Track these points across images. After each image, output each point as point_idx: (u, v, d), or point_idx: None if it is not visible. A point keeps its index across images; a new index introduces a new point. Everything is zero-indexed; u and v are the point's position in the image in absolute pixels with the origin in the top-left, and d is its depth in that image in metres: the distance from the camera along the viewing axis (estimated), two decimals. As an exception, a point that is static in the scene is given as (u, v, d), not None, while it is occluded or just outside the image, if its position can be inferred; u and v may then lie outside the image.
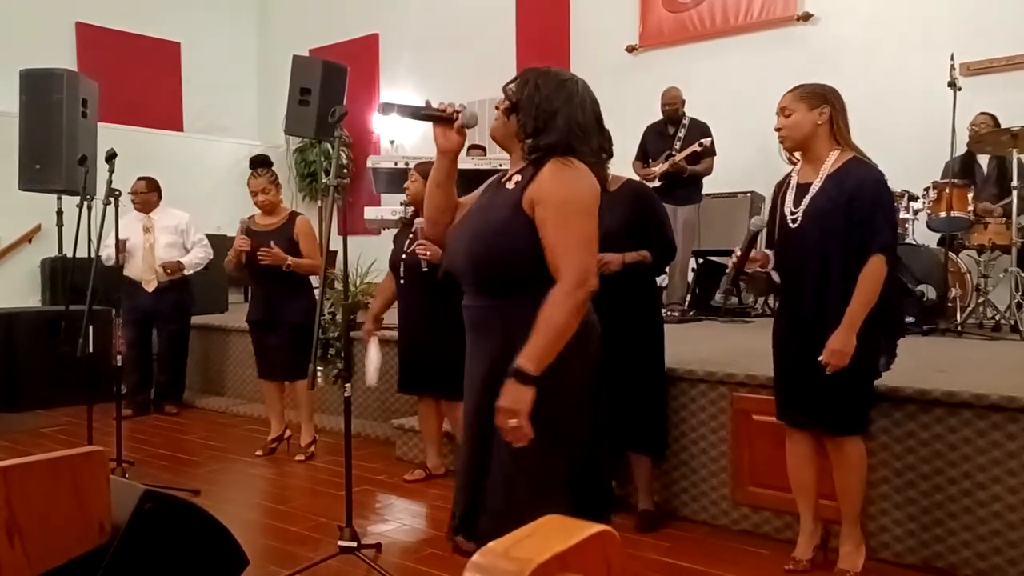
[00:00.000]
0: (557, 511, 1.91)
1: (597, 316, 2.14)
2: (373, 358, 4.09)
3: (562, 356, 1.97)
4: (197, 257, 6.05)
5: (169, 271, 5.86)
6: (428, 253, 3.90)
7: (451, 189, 2.24)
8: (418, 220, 4.05)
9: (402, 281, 4.16)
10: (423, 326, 4.08)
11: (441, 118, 2.16)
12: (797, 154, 2.95)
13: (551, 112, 2.03)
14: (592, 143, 2.06)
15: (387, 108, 2.24)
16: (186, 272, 5.98)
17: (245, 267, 4.74)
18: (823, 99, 2.84)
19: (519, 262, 2.00)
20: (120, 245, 5.46)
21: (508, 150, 2.16)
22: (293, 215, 4.80)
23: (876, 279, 2.71)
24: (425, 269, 3.97)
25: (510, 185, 2.09)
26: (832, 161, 2.83)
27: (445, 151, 2.19)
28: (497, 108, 2.15)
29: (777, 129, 2.90)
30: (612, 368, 3.41)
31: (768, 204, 3.07)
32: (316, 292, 4.52)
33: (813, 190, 2.83)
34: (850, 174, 2.78)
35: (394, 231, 6.53)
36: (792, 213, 2.87)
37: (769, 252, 2.96)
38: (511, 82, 2.13)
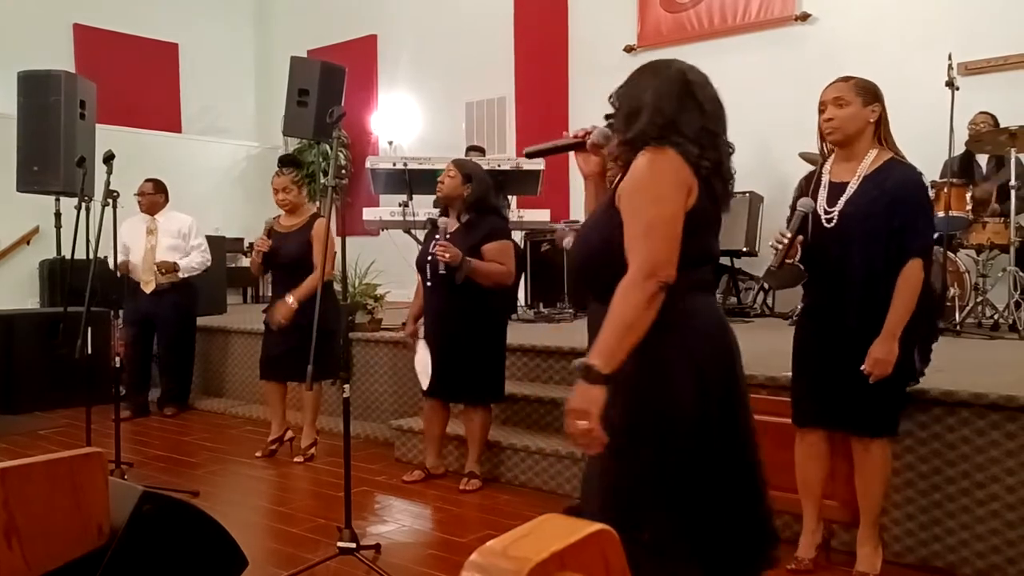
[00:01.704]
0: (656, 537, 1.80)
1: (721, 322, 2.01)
2: (423, 360, 4.00)
3: (656, 356, 1.85)
4: (194, 261, 6.02)
5: (163, 271, 5.84)
6: (448, 255, 3.84)
7: None
8: (442, 220, 4.00)
9: (428, 283, 4.07)
10: (453, 327, 4.01)
11: (574, 145, 2.20)
12: (827, 149, 2.88)
13: (639, 108, 1.94)
14: (684, 127, 1.91)
15: (532, 155, 2.41)
16: (181, 275, 5.93)
17: (265, 267, 4.76)
18: (875, 96, 2.79)
19: (616, 262, 1.88)
20: (123, 265, 5.47)
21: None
22: (314, 217, 4.77)
23: (916, 283, 2.68)
24: (442, 272, 3.89)
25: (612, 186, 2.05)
26: (871, 161, 2.77)
27: (587, 175, 2.20)
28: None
29: (828, 119, 2.79)
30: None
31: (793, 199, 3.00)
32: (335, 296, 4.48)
33: (850, 190, 2.77)
34: (890, 175, 2.73)
35: (395, 231, 6.60)
36: (827, 212, 2.80)
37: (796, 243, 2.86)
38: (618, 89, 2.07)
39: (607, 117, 2.09)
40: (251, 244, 4.86)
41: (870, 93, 2.78)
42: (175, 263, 5.89)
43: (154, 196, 6.03)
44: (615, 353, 1.78)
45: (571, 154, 2.25)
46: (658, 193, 1.86)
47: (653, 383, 1.87)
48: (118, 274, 5.53)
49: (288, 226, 4.75)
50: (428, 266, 4.01)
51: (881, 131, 2.81)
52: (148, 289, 5.90)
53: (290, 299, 4.50)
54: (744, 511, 1.93)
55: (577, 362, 1.81)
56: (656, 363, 1.86)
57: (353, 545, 3.10)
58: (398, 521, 3.74)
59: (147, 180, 6.07)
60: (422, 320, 4.20)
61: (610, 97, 2.07)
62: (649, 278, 1.80)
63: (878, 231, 2.70)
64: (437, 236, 4.01)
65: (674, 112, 1.91)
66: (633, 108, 1.96)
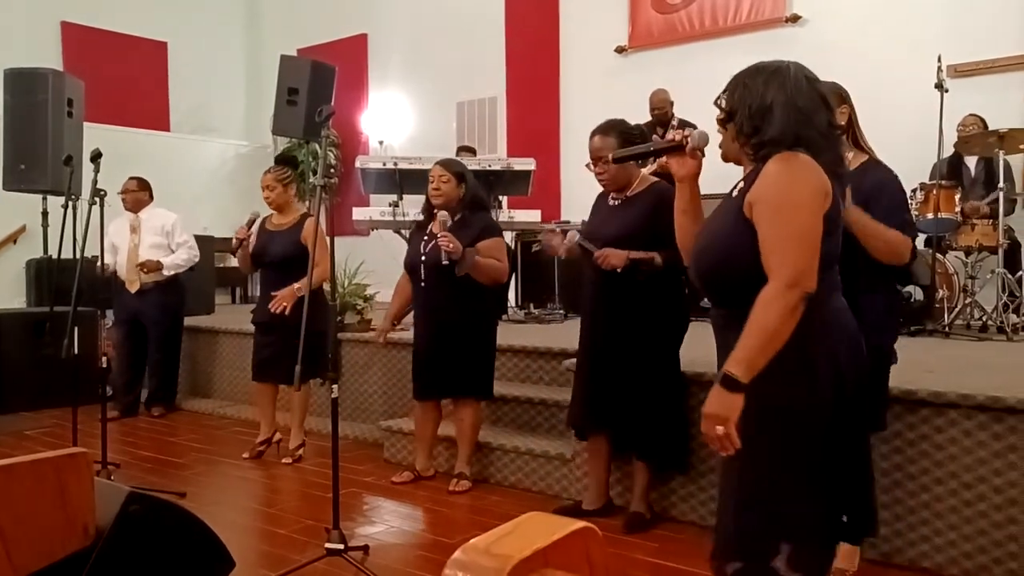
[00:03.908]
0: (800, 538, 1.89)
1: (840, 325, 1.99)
2: None
3: (802, 362, 1.87)
4: (179, 259, 5.96)
5: (146, 270, 5.79)
6: (451, 246, 3.81)
7: (697, 215, 2.21)
8: (441, 214, 3.99)
9: (423, 283, 4.04)
10: (447, 325, 3.99)
11: (672, 148, 2.18)
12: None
13: (767, 106, 1.93)
14: (818, 123, 1.94)
15: (620, 160, 2.42)
16: (165, 272, 5.86)
17: (253, 264, 4.74)
18: (842, 98, 2.78)
19: (744, 268, 1.90)
20: (103, 268, 5.36)
21: (738, 162, 2.07)
22: (304, 217, 4.72)
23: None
24: (445, 262, 3.86)
25: (735, 193, 2.03)
26: (847, 163, 2.80)
27: (683, 178, 2.19)
28: (718, 122, 2.08)
29: None
30: (621, 370, 3.41)
31: None
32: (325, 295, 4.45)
33: None
34: (866, 176, 2.75)
35: (385, 231, 6.60)
36: None
37: None
38: (721, 94, 2.04)
39: (720, 121, 2.06)
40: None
41: (837, 96, 2.78)
42: (158, 261, 5.83)
43: (138, 193, 5.98)
44: (755, 362, 1.82)
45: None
46: (799, 201, 1.86)
47: (799, 388, 1.89)
48: (102, 268, 5.42)
49: (277, 225, 4.73)
50: (423, 265, 3.99)
51: (854, 133, 2.82)
52: (133, 289, 5.86)
53: (296, 285, 4.43)
54: (865, 496, 2.08)
55: (719, 372, 1.85)
56: (803, 369, 1.88)
57: (341, 546, 3.08)
58: (387, 522, 3.73)
59: (131, 178, 6.03)
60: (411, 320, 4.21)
61: (716, 100, 2.06)
62: (793, 288, 1.81)
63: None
64: (426, 236, 4.00)
65: (809, 109, 1.93)
66: (759, 108, 1.94)
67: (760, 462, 1.92)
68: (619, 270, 3.31)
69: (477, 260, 3.89)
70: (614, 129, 3.43)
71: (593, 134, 3.47)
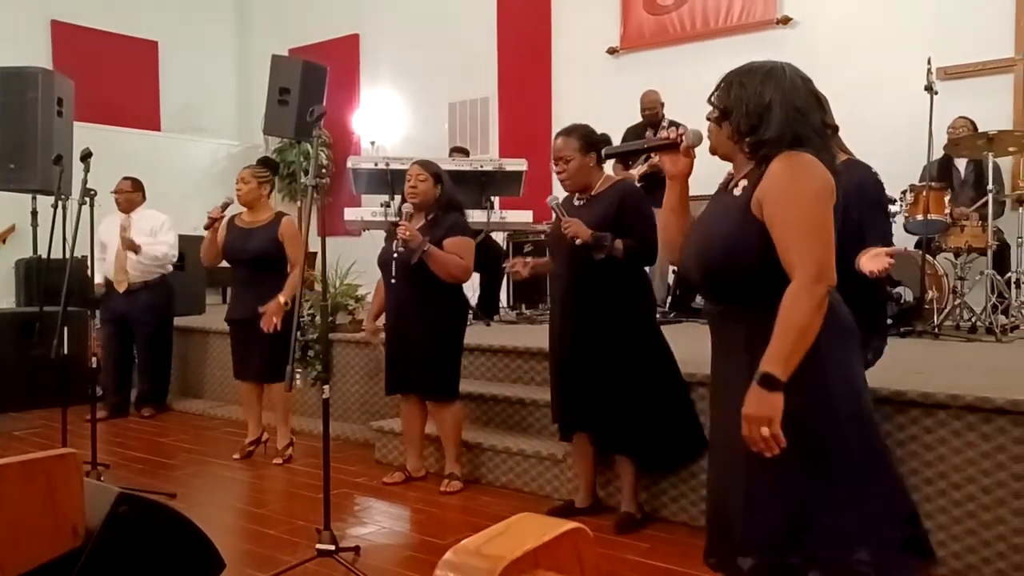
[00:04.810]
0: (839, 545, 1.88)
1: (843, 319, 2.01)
2: None
3: (811, 357, 1.87)
4: (158, 251, 5.89)
5: (126, 246, 5.72)
6: (407, 233, 3.86)
7: (686, 213, 2.21)
8: (406, 206, 4.04)
9: (393, 280, 4.07)
10: (414, 323, 4.01)
11: (666, 146, 2.19)
12: None
13: (765, 105, 1.95)
14: (814, 122, 1.97)
15: (612, 155, 2.46)
16: (140, 256, 5.76)
17: (227, 261, 4.70)
18: None
19: (754, 267, 1.92)
20: (98, 287, 5.27)
21: (729, 159, 2.09)
22: (279, 215, 4.72)
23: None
24: (400, 249, 3.92)
25: (737, 191, 2.02)
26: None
27: (675, 176, 2.19)
28: (708, 119, 2.08)
29: None
30: (586, 368, 3.43)
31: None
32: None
33: None
34: (848, 174, 2.78)
35: (376, 232, 6.58)
36: None
37: None
38: (715, 91, 2.05)
39: (714, 119, 2.06)
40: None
41: None
42: (139, 245, 5.75)
43: (131, 194, 5.96)
44: (790, 359, 1.84)
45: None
46: (812, 196, 1.89)
47: (811, 383, 1.90)
48: (95, 293, 5.33)
49: (250, 222, 4.70)
50: (394, 262, 4.03)
51: None
52: (121, 289, 5.83)
53: (282, 299, 4.42)
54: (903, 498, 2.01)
55: (756, 372, 1.85)
56: (812, 363, 1.88)
57: (332, 547, 3.08)
58: (378, 523, 3.73)
59: (125, 178, 6.01)
60: (383, 319, 4.23)
61: (710, 98, 2.07)
62: (818, 282, 1.85)
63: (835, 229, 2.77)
64: (400, 221, 4.02)
65: (805, 109, 1.96)
66: (756, 106, 1.96)
67: (776, 463, 1.90)
68: (577, 241, 3.34)
69: (432, 250, 3.91)
70: (576, 131, 3.49)
71: (556, 136, 3.54)
